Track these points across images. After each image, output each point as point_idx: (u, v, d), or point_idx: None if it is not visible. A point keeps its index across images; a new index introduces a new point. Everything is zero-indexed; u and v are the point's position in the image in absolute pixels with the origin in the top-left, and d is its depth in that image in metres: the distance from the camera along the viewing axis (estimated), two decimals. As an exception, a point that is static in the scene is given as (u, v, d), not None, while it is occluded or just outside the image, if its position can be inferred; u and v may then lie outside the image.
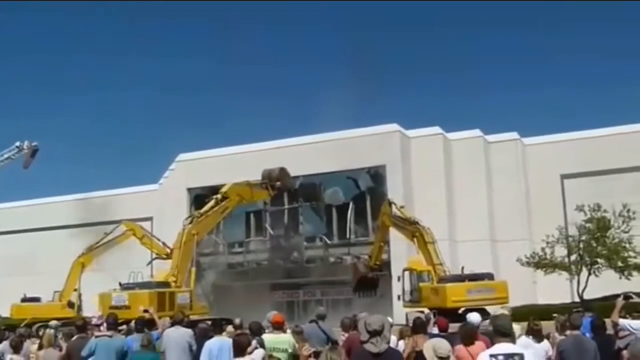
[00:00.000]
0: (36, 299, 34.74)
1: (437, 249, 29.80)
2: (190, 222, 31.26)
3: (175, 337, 11.37)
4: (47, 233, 51.36)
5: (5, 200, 62.52)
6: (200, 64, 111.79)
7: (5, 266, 50.02)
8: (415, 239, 30.15)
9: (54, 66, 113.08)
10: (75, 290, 34.40)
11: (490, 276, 29.11)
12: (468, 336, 8.40)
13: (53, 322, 14.69)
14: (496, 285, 28.22)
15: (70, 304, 33.99)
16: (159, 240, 34.67)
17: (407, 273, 30.49)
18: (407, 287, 30.24)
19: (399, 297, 30.77)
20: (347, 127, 44.28)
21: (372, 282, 35.97)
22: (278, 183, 37.38)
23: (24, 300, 34.63)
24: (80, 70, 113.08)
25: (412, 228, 30.56)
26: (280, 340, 10.08)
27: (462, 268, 29.94)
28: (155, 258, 34.57)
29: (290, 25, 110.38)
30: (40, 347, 11.28)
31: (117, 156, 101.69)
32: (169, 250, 34.65)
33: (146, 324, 12.59)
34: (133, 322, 12.66)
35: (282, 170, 38.39)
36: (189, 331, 11.67)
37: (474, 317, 10.86)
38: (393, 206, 32.60)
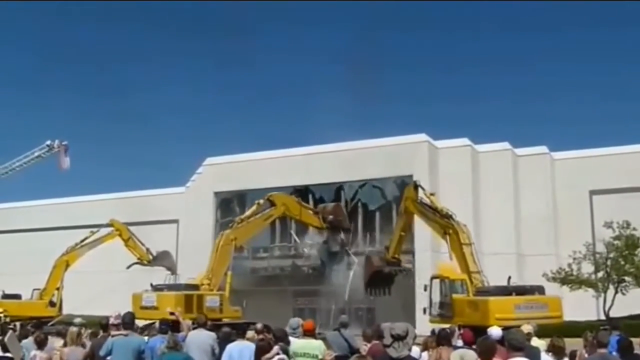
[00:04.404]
0: (17, 297, 33.86)
1: (475, 254, 24.85)
2: (231, 227, 30.69)
3: (198, 340, 11.45)
4: (76, 232, 51.85)
5: (32, 198, 63.60)
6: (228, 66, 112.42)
7: (36, 263, 50.55)
8: (448, 237, 25.12)
9: (82, 67, 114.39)
10: (58, 289, 34.07)
11: (540, 290, 24.37)
12: (488, 351, 8.21)
13: (77, 320, 14.81)
14: (549, 301, 23.69)
15: (52, 303, 33.66)
16: (143, 245, 34.67)
17: (436, 282, 25.72)
18: (436, 299, 25.59)
19: (424, 311, 26.00)
20: (371, 136, 44.37)
21: (387, 277, 31.07)
22: (331, 217, 36.08)
23: (4, 297, 33.40)
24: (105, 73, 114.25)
25: (444, 222, 25.48)
26: (311, 346, 10.12)
27: (509, 278, 24.52)
28: (136, 263, 34.57)
29: (306, 27, 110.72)
30: (65, 345, 11.37)
31: (145, 158, 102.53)
32: (151, 257, 34.75)
33: (171, 326, 12.66)
34: (157, 322, 12.72)
35: (337, 207, 37.73)
36: (212, 334, 11.76)
37: (494, 331, 10.67)
38: (420, 190, 27.46)
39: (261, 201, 31.84)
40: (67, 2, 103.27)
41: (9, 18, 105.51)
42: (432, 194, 27.53)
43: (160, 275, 32.66)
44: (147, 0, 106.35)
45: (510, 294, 23.07)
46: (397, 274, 31.76)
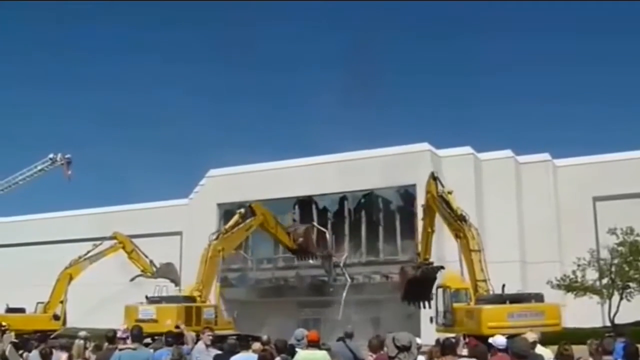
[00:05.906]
0: (21, 310, 33.76)
1: (483, 261, 24.53)
2: (217, 238, 30.89)
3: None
4: (79, 245, 51.93)
5: (35, 212, 63.71)
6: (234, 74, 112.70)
7: (40, 276, 50.61)
8: (459, 241, 24.96)
9: (82, 68, 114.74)
10: (62, 302, 34.20)
11: (538, 297, 24.04)
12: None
13: (82, 333, 14.81)
14: (545, 309, 23.36)
15: (56, 316, 33.75)
16: (146, 257, 34.91)
17: (440, 291, 26.35)
18: (442, 308, 25.99)
19: (431, 320, 26.48)
20: (374, 146, 44.41)
21: (424, 281, 28.64)
22: (300, 239, 35.83)
23: (8, 310, 33.23)
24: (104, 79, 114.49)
25: (456, 225, 25.04)
26: (316, 356, 10.12)
27: (503, 286, 24.27)
28: (140, 275, 34.66)
29: (306, 30, 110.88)
30: (70, 358, 11.38)
31: (148, 169, 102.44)
32: (154, 269, 34.90)
33: (176, 338, 12.71)
34: (163, 336, 12.76)
35: (307, 230, 37.10)
36: (199, 346, 12.04)
37: (499, 340, 10.52)
38: (439, 183, 26.72)
39: (242, 210, 32.34)
40: (67, 2, 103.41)
41: (8, 19, 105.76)
42: (449, 192, 26.50)
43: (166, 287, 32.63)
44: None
45: (504, 302, 23.05)
46: (434, 272, 29.17)
